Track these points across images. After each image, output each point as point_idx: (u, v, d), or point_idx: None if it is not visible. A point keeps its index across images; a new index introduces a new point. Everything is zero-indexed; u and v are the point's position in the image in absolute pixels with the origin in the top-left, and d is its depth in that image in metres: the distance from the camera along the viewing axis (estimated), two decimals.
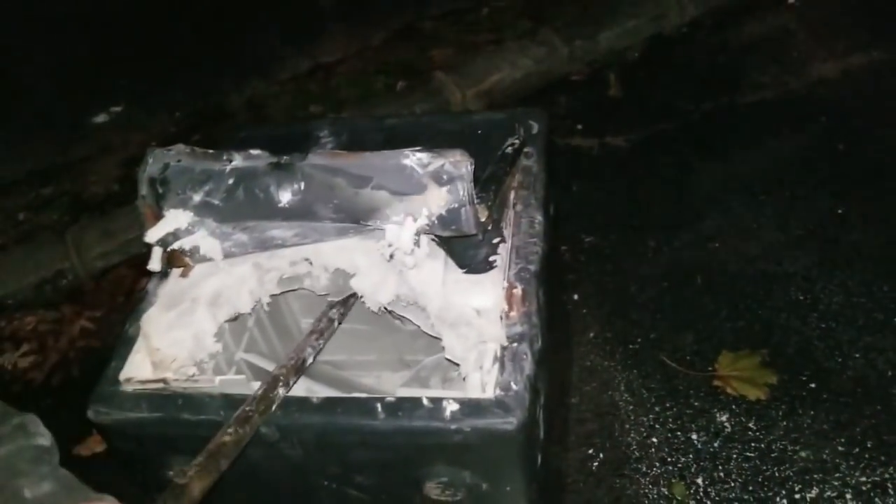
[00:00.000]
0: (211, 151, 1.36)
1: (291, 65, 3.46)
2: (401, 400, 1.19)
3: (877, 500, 1.83)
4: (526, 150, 1.58)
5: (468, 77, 3.17)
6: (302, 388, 1.45)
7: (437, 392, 1.24)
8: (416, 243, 1.25)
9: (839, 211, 2.50)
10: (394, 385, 1.93)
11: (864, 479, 1.86)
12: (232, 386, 1.29)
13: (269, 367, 1.47)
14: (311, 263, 1.43)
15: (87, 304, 2.64)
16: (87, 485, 1.02)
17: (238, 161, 1.32)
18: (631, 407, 2.10)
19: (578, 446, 2.03)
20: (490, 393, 1.18)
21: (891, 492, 1.83)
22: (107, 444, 1.40)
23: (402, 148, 1.63)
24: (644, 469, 1.96)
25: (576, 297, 2.40)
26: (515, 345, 1.23)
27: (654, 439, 2.01)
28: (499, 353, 1.22)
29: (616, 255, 2.52)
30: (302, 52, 3.49)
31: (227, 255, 1.39)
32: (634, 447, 2.01)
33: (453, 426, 1.14)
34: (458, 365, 1.29)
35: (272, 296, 1.49)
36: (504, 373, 1.20)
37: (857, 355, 2.11)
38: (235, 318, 1.46)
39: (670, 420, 2.05)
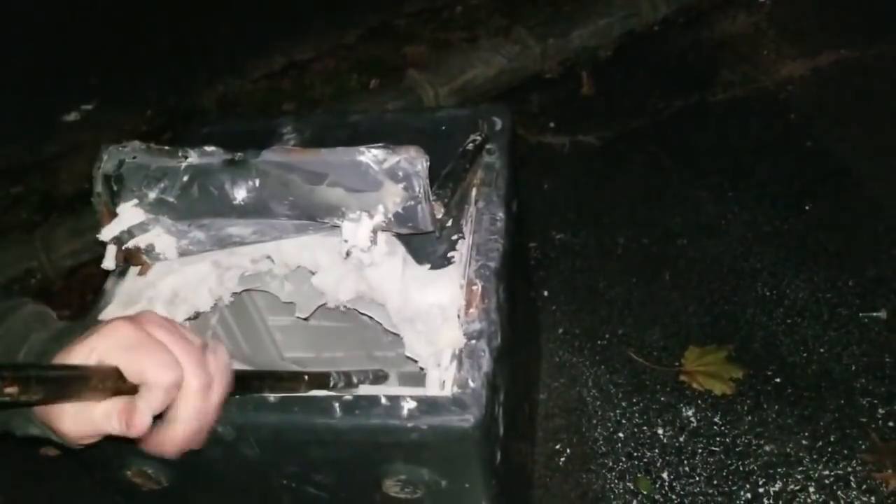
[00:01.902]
0: (167, 148, 1.35)
1: (265, 62, 3.45)
2: (358, 398, 1.18)
3: (839, 493, 1.85)
4: (488, 146, 1.58)
5: (441, 75, 3.17)
6: None
7: (395, 390, 1.24)
8: (373, 241, 1.25)
9: (806, 207, 2.52)
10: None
11: (826, 472, 1.88)
12: None
13: (234, 366, 1.46)
14: (272, 261, 1.42)
15: (55, 304, 2.61)
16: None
17: (193, 158, 1.31)
18: (598, 402, 2.11)
19: (546, 442, 2.04)
20: (447, 390, 1.18)
21: (853, 485, 1.86)
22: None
23: (365, 144, 1.64)
24: (610, 464, 1.97)
25: (545, 293, 2.41)
26: (474, 342, 1.23)
27: (621, 434, 2.03)
28: (457, 351, 1.23)
29: (585, 251, 2.53)
30: (275, 49, 3.48)
31: (184, 253, 1.38)
32: (601, 442, 2.02)
33: (410, 424, 1.14)
34: (417, 363, 1.30)
35: (234, 294, 1.49)
36: (461, 370, 1.20)
37: (822, 350, 2.13)
38: (196, 317, 1.45)
39: (637, 415, 2.06)
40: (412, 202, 1.25)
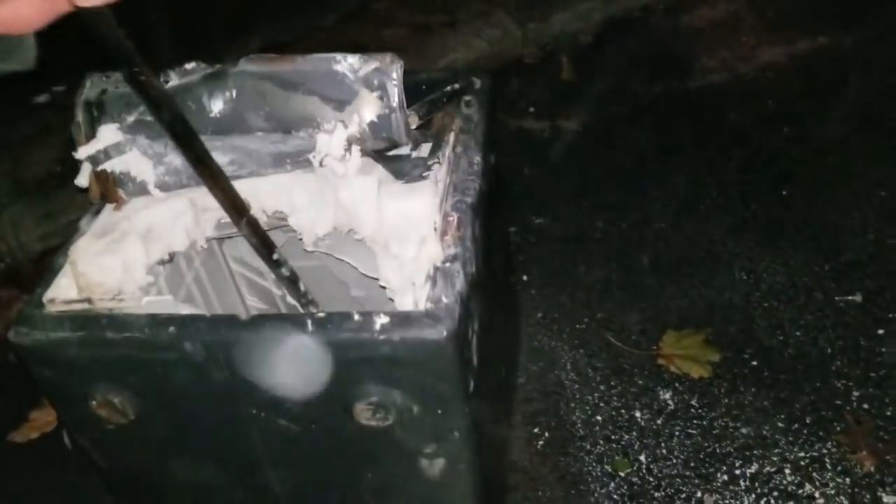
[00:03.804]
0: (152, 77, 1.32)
1: (240, 46, 3.39)
2: (331, 314, 1.15)
3: (814, 474, 1.86)
4: (466, 98, 1.55)
5: (421, 58, 3.15)
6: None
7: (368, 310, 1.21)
8: (348, 150, 1.23)
9: (783, 192, 2.54)
10: None
11: (802, 454, 1.89)
12: (159, 306, 1.24)
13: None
14: (248, 204, 1.39)
15: (25, 288, 2.56)
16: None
17: (175, 80, 1.29)
18: (577, 386, 2.10)
19: (524, 425, 2.03)
20: (421, 306, 1.16)
21: (828, 466, 1.87)
22: (29, 372, 1.32)
23: None
24: (588, 447, 1.97)
25: (525, 277, 2.40)
26: (448, 264, 1.21)
27: (599, 417, 2.02)
28: (431, 272, 1.20)
29: (565, 236, 2.53)
30: (253, 32, 3.43)
31: (161, 186, 1.34)
32: (579, 425, 2.02)
33: (382, 337, 1.12)
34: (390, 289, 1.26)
35: (208, 239, 1.45)
36: (435, 288, 1.18)
37: (798, 333, 2.14)
38: (171, 259, 1.40)
39: (615, 398, 2.06)
40: (387, 111, 1.23)
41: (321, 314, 1.15)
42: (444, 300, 1.15)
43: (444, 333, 1.11)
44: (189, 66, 1.28)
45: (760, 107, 2.87)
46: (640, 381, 2.08)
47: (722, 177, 2.62)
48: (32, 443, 2.10)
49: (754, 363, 2.09)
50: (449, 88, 1.50)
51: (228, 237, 1.54)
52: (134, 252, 1.27)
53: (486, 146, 1.47)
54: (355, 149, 1.25)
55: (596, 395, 2.07)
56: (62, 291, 1.25)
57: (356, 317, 1.13)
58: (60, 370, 1.25)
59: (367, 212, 1.25)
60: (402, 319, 1.13)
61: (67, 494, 1.99)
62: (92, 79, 1.31)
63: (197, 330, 1.17)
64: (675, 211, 2.53)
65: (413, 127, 1.29)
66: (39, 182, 2.90)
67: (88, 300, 1.22)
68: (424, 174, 1.31)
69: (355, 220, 1.27)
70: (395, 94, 1.21)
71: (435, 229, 1.23)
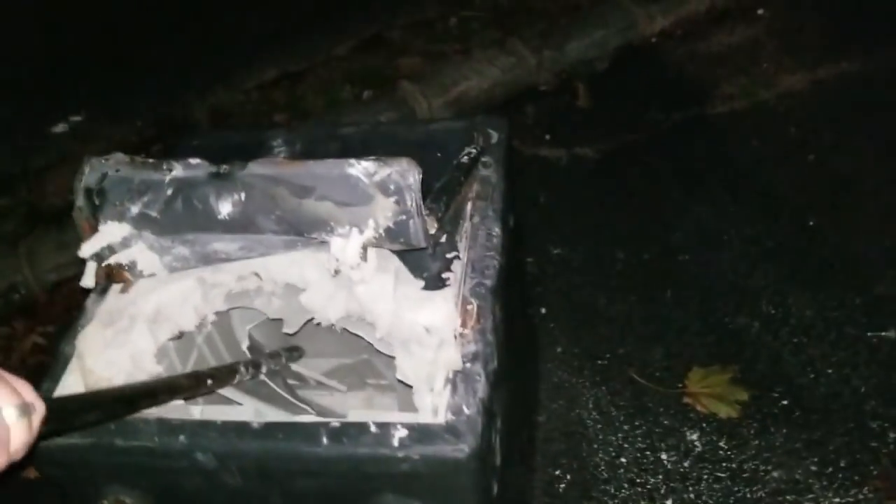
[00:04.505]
0: (151, 161, 1.29)
1: (257, 73, 3.38)
2: (346, 425, 1.11)
3: None
4: (484, 159, 1.51)
5: (435, 86, 3.11)
6: (250, 409, 1.37)
7: (385, 416, 1.16)
8: (363, 257, 1.18)
9: (810, 223, 2.46)
10: (350, 407, 1.86)
11: (837, 499, 1.81)
12: (169, 411, 1.21)
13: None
14: (260, 278, 1.36)
15: (39, 319, 2.54)
16: None
17: (178, 171, 1.25)
18: (599, 425, 2.03)
19: (545, 467, 1.96)
20: (441, 417, 1.11)
21: None
22: (38, 472, 1.31)
23: (357, 157, 1.57)
24: (612, 491, 1.89)
25: (543, 310, 2.34)
26: (469, 365, 1.16)
27: (623, 459, 1.95)
28: (451, 375, 1.15)
29: (584, 267, 2.46)
30: (268, 60, 3.42)
31: (169, 270, 1.31)
32: (603, 468, 1.94)
33: (401, 454, 1.07)
34: (410, 387, 1.23)
35: (218, 313, 1.42)
36: (455, 395, 1.13)
37: (830, 371, 2.07)
38: (180, 337, 1.38)
39: (639, 439, 1.99)
40: (404, 217, 1.19)
41: (335, 424, 1.11)
42: (466, 411, 1.10)
43: (467, 451, 1.06)
44: (193, 161, 1.24)
45: (783, 134, 2.81)
46: (665, 421, 2.01)
47: (745, 206, 2.55)
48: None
49: (784, 402, 2.01)
50: (465, 158, 1.46)
51: (240, 308, 1.49)
52: (142, 341, 1.25)
53: (505, 211, 1.44)
54: (371, 252, 1.20)
55: (619, 435, 2.00)
56: (70, 391, 1.22)
57: (373, 428, 1.09)
58: (70, 472, 1.23)
59: (383, 309, 1.21)
60: (421, 434, 1.08)
61: None
62: (90, 162, 1.28)
63: (208, 439, 1.13)
64: (698, 242, 2.46)
65: (431, 231, 1.24)
66: (56, 212, 2.88)
67: None
68: (444, 275, 1.26)
69: (370, 314, 1.22)
70: (413, 199, 1.16)
71: (455, 337, 1.18)
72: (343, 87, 3.25)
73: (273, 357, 1.58)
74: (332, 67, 3.39)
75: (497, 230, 1.38)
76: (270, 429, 1.14)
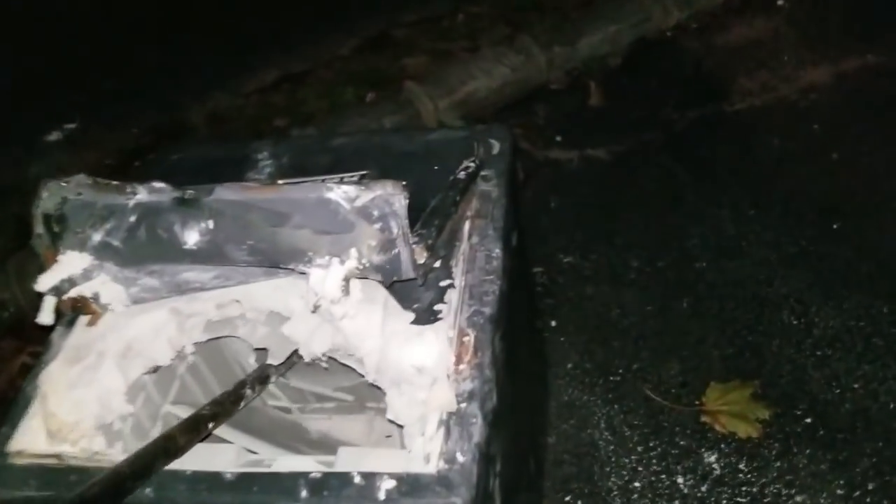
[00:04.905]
0: (114, 183, 1.20)
1: (256, 76, 3.30)
2: (328, 476, 1.02)
3: None
4: (484, 173, 1.41)
5: (441, 87, 3.01)
6: (235, 448, 1.28)
7: (372, 462, 1.07)
8: (345, 290, 1.08)
9: (834, 226, 2.35)
10: (349, 431, 1.77)
11: None
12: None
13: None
14: (241, 305, 1.27)
15: (28, 339, 2.46)
16: None
17: (142, 195, 1.16)
18: (612, 447, 1.93)
19: (555, 492, 1.87)
20: (432, 466, 1.01)
21: None
22: None
23: (350, 171, 1.46)
24: None
25: (553, 323, 2.24)
26: (464, 405, 1.07)
27: (637, 483, 1.85)
28: (444, 416, 1.06)
29: (596, 276, 2.36)
30: (267, 62, 3.33)
31: (137, 301, 1.22)
32: (616, 493, 1.85)
33: None
34: (401, 427, 1.13)
35: (197, 344, 1.33)
36: (449, 440, 1.03)
37: (857, 386, 1.96)
38: (155, 371, 1.29)
39: (654, 461, 1.89)
40: (389, 245, 1.09)
41: (316, 475, 1.02)
42: (460, 458, 1.01)
43: None
44: (157, 185, 1.14)
45: (806, 131, 2.69)
46: (681, 442, 1.91)
47: (766, 209, 2.43)
48: None
49: (808, 420, 1.91)
50: (462, 174, 1.35)
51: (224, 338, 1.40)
52: (110, 380, 1.17)
53: (507, 229, 1.33)
54: (355, 284, 1.10)
55: (633, 457, 1.90)
56: (30, 439, 1.14)
57: (357, 479, 1.01)
58: None
59: (370, 346, 1.12)
60: (410, 486, 0.99)
61: None
62: (48, 186, 1.19)
63: (176, 491, 1.05)
64: (716, 248, 2.35)
65: (420, 261, 1.13)
66: None
67: (57, 456, 1.10)
68: (436, 308, 1.16)
69: (357, 350, 1.13)
70: (399, 226, 1.06)
71: (448, 376, 1.08)
72: (346, 89, 3.15)
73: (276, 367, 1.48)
74: (335, 68, 3.30)
75: (498, 251, 1.28)
76: (245, 480, 1.05)
